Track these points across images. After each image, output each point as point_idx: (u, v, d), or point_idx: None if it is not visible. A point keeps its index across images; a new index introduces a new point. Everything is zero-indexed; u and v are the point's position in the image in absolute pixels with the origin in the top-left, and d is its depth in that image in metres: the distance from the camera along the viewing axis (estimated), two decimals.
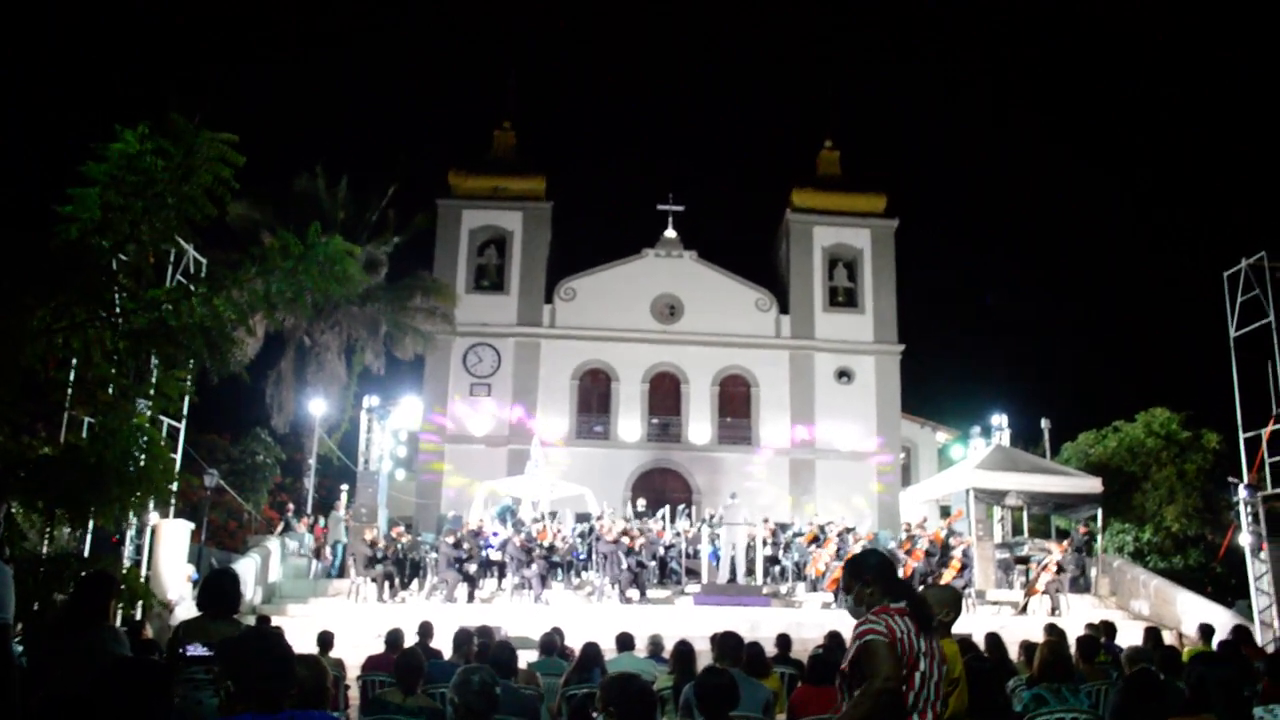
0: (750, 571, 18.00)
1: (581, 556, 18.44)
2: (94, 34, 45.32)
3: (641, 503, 21.79)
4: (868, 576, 3.63)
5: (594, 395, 28.86)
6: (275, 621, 11.19)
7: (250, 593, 16.14)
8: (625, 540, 17.16)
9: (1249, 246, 16.65)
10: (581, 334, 28.80)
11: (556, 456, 26.05)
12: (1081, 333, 54.96)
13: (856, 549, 16.95)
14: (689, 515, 20.91)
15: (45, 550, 7.77)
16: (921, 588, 5.12)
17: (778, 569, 18.88)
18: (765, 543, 18.74)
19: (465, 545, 17.04)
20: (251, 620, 11.87)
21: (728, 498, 18.63)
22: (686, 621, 13.75)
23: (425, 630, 8.67)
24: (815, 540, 18.45)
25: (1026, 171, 59.28)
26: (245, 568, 16.02)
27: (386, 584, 16.88)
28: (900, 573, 16.98)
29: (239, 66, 56.58)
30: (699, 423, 28.69)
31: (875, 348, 29.27)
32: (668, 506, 21.13)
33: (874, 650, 3.38)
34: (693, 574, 18.45)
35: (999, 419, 23.07)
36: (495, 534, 18.23)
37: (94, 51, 45.71)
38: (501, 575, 17.56)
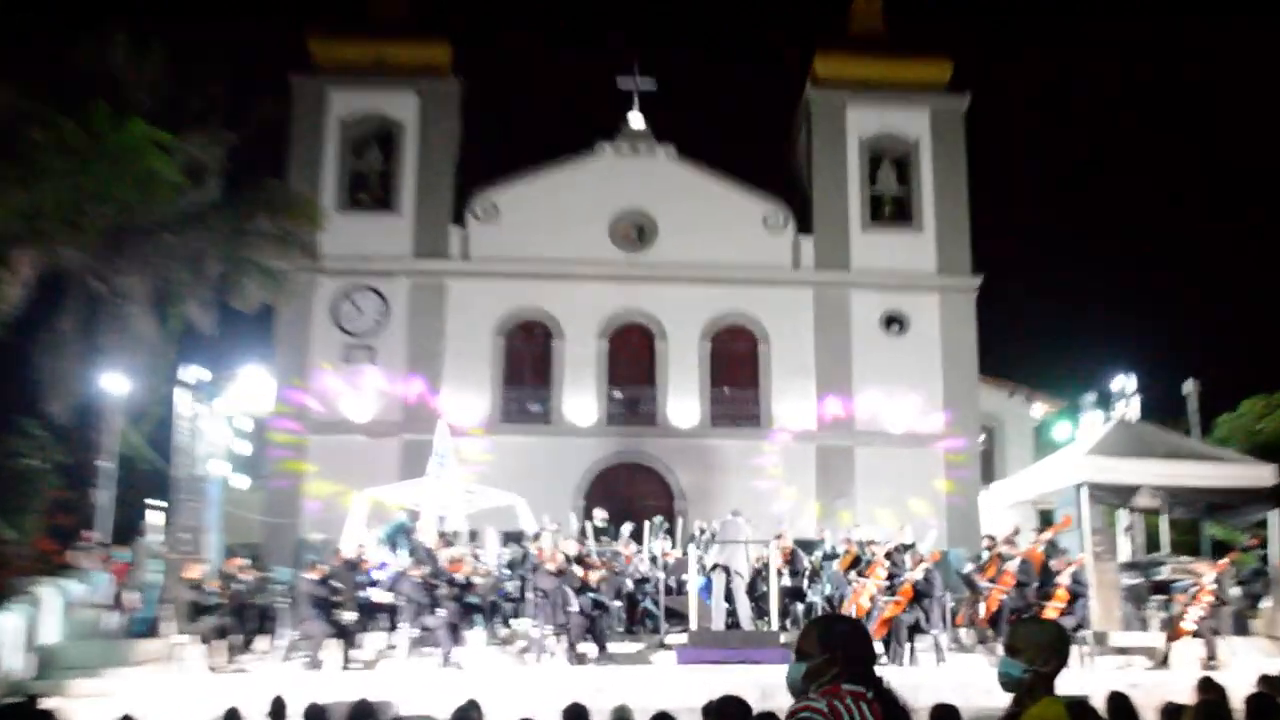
0: (761, 612, 18.04)
1: (512, 596, 18.49)
2: None
3: (600, 515, 21.92)
4: (833, 647, 3.96)
5: (528, 359, 29.05)
6: (52, 704, 11.06)
7: (11, 663, 15.99)
8: (576, 570, 17.15)
9: None
10: (509, 269, 28.90)
11: (474, 450, 26.20)
12: (1240, 258, 55.23)
13: (917, 575, 17.13)
14: (669, 532, 21.12)
15: None
16: (1012, 626, 5.14)
17: (801, 607, 18.97)
18: (781, 570, 18.80)
19: (338, 583, 17.08)
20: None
21: (728, 514, 18.76)
22: (667, 687, 13.76)
23: (278, 711, 8.86)
24: (855, 564, 18.52)
25: (1158, 24, 59.21)
26: (2, 627, 15.92)
27: (222, 643, 16.83)
28: (982, 610, 17.32)
29: None
30: (682, 397, 28.87)
31: (940, 281, 29.55)
32: (639, 520, 21.25)
33: None
34: (676, 617, 18.47)
35: (1123, 382, 23.17)
36: (383, 565, 18.39)
37: None
38: (393, 626, 17.57)
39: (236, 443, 24.62)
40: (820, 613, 18.61)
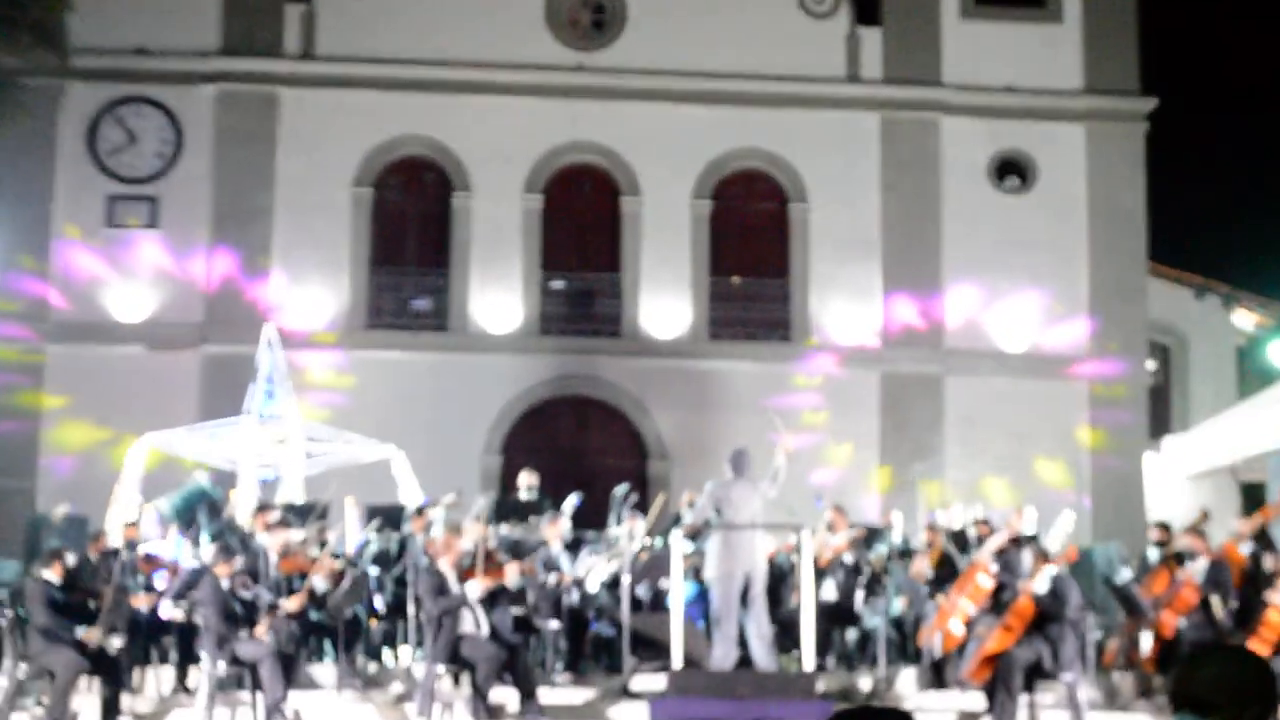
0: (788, 643, 18.13)
1: (382, 611, 18.95)
2: None
3: (528, 480, 22.15)
4: None
5: (411, 225, 29.60)
6: None
7: None
8: (481, 563, 16.98)
9: None
10: (380, 75, 29.08)
11: (322, 373, 26.85)
12: None
13: (1040, 587, 16.94)
14: (640, 508, 21.20)
15: None
16: (1185, 664, 5.08)
17: (855, 635, 19.36)
18: (834, 567, 19.19)
19: (97, 586, 17.06)
20: None
21: (724, 467, 18.49)
22: None
23: None
24: (945, 565, 18.86)
25: None
26: None
27: None
28: (1146, 642, 17.35)
29: None
30: (664, 291, 29.24)
31: (1088, 104, 29.93)
32: (592, 490, 21.82)
33: None
34: (649, 646, 18.52)
35: None
36: (174, 559, 18.95)
37: None
38: (187, 656, 17.78)
39: None
40: (882, 640, 18.72)
